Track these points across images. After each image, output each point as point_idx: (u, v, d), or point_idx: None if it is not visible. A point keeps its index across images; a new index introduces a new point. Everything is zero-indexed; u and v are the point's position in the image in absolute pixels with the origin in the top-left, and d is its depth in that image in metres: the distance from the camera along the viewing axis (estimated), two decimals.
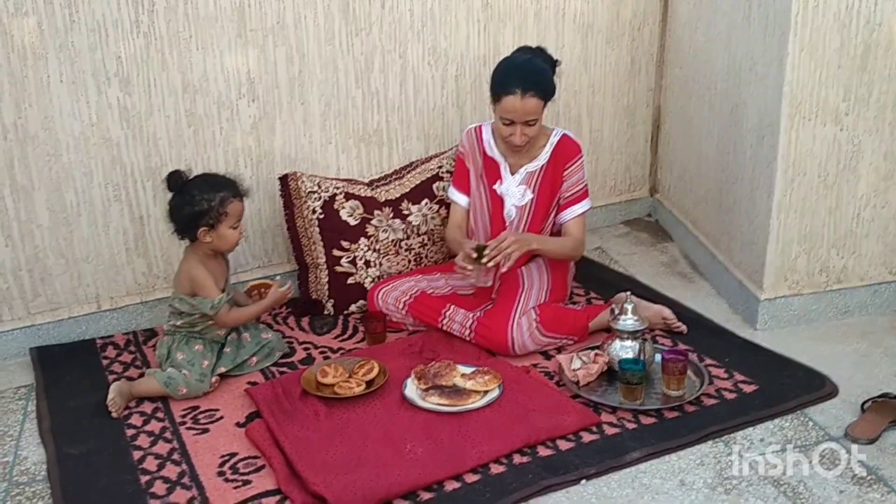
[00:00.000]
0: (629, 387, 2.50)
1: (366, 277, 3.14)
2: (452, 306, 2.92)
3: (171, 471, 2.33)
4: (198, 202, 2.61)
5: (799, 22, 2.65)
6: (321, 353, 2.90)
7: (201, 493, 2.24)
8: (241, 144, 3.10)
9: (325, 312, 3.14)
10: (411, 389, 2.59)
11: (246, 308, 2.79)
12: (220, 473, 2.31)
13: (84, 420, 2.57)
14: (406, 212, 3.20)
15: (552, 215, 3.00)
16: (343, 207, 3.12)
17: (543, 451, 2.35)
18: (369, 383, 2.61)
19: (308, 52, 3.10)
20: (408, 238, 3.20)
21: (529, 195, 2.97)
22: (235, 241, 2.71)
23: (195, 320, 2.70)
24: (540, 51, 2.94)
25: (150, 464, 2.36)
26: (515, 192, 2.98)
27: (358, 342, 2.97)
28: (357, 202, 3.15)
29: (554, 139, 2.95)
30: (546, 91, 2.81)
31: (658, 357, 2.66)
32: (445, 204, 3.21)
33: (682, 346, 2.81)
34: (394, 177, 3.29)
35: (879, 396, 2.49)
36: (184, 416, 2.57)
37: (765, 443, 2.39)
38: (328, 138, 3.24)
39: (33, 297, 2.96)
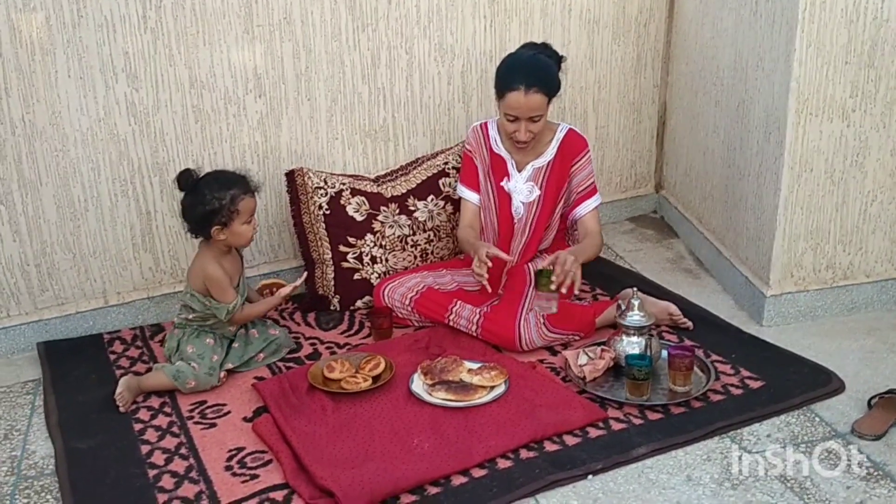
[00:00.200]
0: (635, 382, 2.51)
1: (372, 273, 3.14)
2: (459, 302, 2.92)
3: (178, 465, 2.34)
4: (209, 201, 2.61)
5: (806, 18, 2.65)
6: (328, 348, 2.91)
7: (209, 488, 2.24)
8: (247, 140, 3.11)
9: (332, 308, 3.15)
10: (418, 385, 2.59)
11: (255, 305, 2.80)
12: (228, 468, 2.32)
13: (92, 414, 2.57)
14: (412, 208, 3.21)
15: (558, 211, 3.00)
16: (349, 203, 3.13)
17: (550, 447, 2.35)
18: (376, 378, 2.61)
19: (314, 48, 3.10)
20: (414, 234, 3.20)
21: (537, 192, 2.97)
22: (250, 236, 2.71)
23: (207, 315, 2.71)
24: (545, 47, 2.94)
25: (158, 458, 2.37)
26: (523, 188, 2.98)
27: (364, 338, 2.98)
28: (363, 198, 3.15)
29: (560, 134, 2.95)
30: (550, 87, 2.80)
31: (664, 353, 2.66)
32: (452, 200, 3.21)
33: (688, 342, 2.81)
34: (400, 173, 3.29)
35: (886, 392, 2.49)
36: (191, 411, 2.58)
37: (771, 439, 2.39)
38: (334, 134, 3.24)
39: (41, 292, 2.97)
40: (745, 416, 2.46)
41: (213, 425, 2.51)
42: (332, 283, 3.14)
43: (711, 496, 2.19)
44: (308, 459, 2.26)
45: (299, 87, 3.13)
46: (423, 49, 3.28)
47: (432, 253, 3.25)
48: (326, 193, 3.11)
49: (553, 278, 2.64)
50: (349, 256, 3.13)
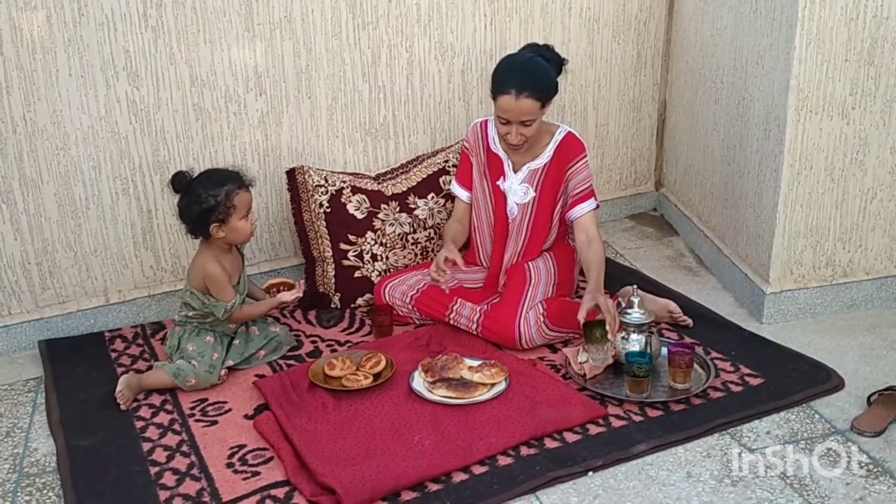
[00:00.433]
0: (635, 379, 2.51)
1: (372, 271, 3.15)
2: (459, 300, 2.93)
3: (180, 462, 2.35)
4: (205, 199, 2.61)
5: (806, 15, 2.65)
6: (328, 346, 2.91)
7: (210, 485, 2.25)
8: (248, 138, 3.11)
9: (332, 306, 3.15)
10: (418, 382, 2.60)
11: (253, 305, 2.80)
12: (229, 465, 2.33)
13: (93, 412, 2.58)
14: (412, 206, 3.21)
15: (556, 213, 2.99)
16: (350, 201, 3.13)
17: (550, 444, 2.36)
18: (377, 376, 2.62)
19: (315, 46, 3.11)
20: (414, 232, 3.21)
21: (532, 193, 2.96)
22: (249, 231, 2.71)
23: (206, 312, 2.71)
24: (547, 48, 2.90)
25: (160, 455, 2.38)
26: (518, 189, 2.98)
27: (365, 335, 2.98)
28: (364, 196, 3.16)
29: (558, 137, 2.93)
30: (543, 93, 2.76)
31: (664, 350, 2.66)
32: (452, 198, 3.21)
33: (688, 340, 2.82)
34: (400, 171, 3.30)
35: (886, 389, 2.50)
36: (192, 409, 2.58)
37: (771, 436, 2.39)
38: (335, 132, 3.25)
39: (42, 291, 2.97)
40: (744, 413, 2.47)
41: (215, 423, 2.51)
42: (333, 280, 3.14)
43: (711, 493, 2.19)
44: (309, 457, 2.26)
45: (300, 86, 3.13)
46: (423, 47, 3.28)
47: (433, 251, 3.25)
48: (327, 191, 3.12)
49: (607, 328, 2.59)
50: (350, 254, 3.14)
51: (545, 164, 2.94)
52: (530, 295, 2.86)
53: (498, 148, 3.00)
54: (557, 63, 2.88)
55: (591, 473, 2.26)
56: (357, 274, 3.14)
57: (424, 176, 3.26)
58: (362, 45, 3.18)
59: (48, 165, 2.86)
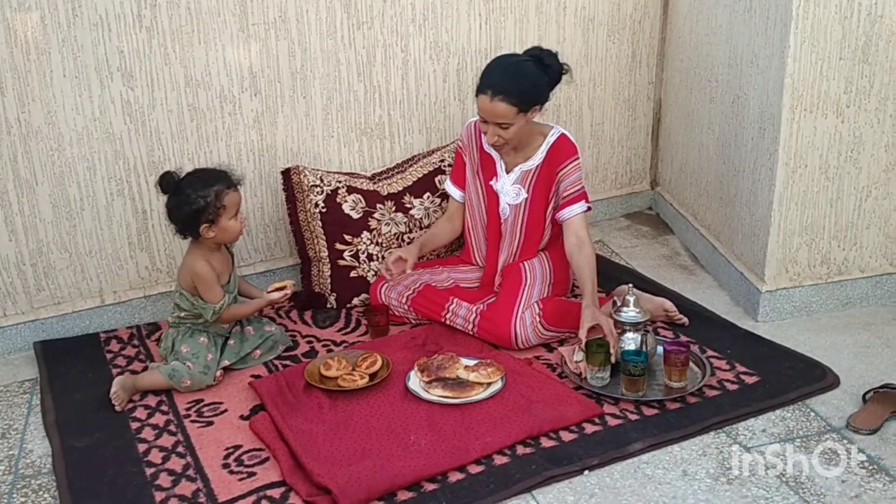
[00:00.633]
0: (631, 378, 2.51)
1: (368, 271, 3.14)
2: (455, 300, 2.93)
3: (176, 463, 2.34)
4: (194, 200, 2.60)
5: (800, 14, 2.66)
6: (324, 346, 2.91)
7: (206, 485, 2.25)
8: (243, 138, 3.11)
9: (328, 306, 3.15)
10: (414, 382, 2.60)
11: (241, 305, 2.79)
12: (225, 465, 2.32)
13: (89, 413, 2.57)
14: (408, 205, 3.21)
15: (549, 214, 2.99)
16: (345, 201, 3.13)
17: (546, 443, 2.36)
18: (373, 376, 2.62)
19: (310, 46, 3.10)
20: (410, 231, 3.20)
21: (524, 194, 2.96)
22: (239, 230, 2.71)
23: (197, 312, 2.71)
24: (550, 54, 2.81)
25: (155, 456, 2.37)
26: (510, 190, 2.97)
27: (361, 335, 2.98)
28: (359, 196, 3.15)
29: (550, 139, 2.91)
30: (519, 98, 2.70)
31: (660, 349, 2.67)
32: (447, 197, 3.21)
33: (683, 338, 2.82)
34: (396, 170, 3.30)
35: (881, 387, 2.50)
36: (188, 409, 2.58)
37: (766, 434, 2.40)
38: (330, 132, 3.24)
39: (37, 292, 2.97)
40: (740, 412, 2.47)
41: (210, 423, 2.51)
42: (329, 280, 3.14)
43: (707, 491, 2.20)
44: (305, 457, 2.26)
45: (295, 86, 3.13)
46: (418, 47, 3.28)
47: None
48: (322, 191, 3.11)
49: (611, 350, 2.57)
50: (345, 254, 3.14)
51: (537, 166, 2.93)
52: (526, 295, 2.86)
53: (490, 148, 3.00)
54: (556, 71, 2.80)
55: (587, 472, 2.26)
56: (353, 274, 3.14)
57: (420, 175, 3.26)
58: (357, 44, 3.18)
59: (42, 166, 2.85)
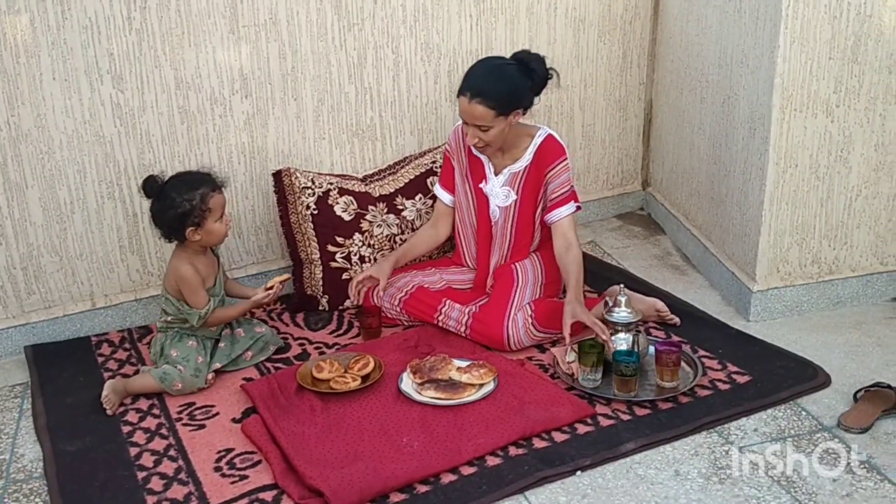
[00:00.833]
0: (623, 378, 2.51)
1: (360, 273, 3.14)
2: (448, 301, 2.93)
3: (168, 467, 2.34)
4: (179, 204, 2.59)
5: (790, 14, 2.67)
6: (316, 348, 2.91)
7: (198, 489, 2.24)
8: (234, 141, 3.10)
9: (320, 308, 3.15)
10: (407, 384, 2.60)
11: (227, 308, 2.78)
12: (217, 469, 2.32)
13: (80, 417, 2.57)
14: (400, 207, 3.21)
15: (538, 219, 2.99)
16: (337, 203, 3.13)
17: (539, 443, 2.36)
18: (365, 378, 2.61)
19: (301, 48, 3.10)
20: (402, 233, 3.20)
21: (513, 196, 2.95)
22: (224, 232, 2.70)
23: (183, 317, 2.70)
24: (537, 59, 2.78)
25: (147, 460, 2.37)
26: (499, 192, 2.97)
27: (353, 337, 2.98)
28: (351, 198, 3.15)
29: (538, 140, 2.90)
30: (497, 101, 2.69)
31: (652, 349, 2.67)
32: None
33: (675, 338, 2.83)
34: (388, 172, 3.29)
35: (872, 386, 2.51)
36: (180, 413, 2.57)
37: (758, 433, 2.40)
38: (321, 134, 3.24)
39: (27, 295, 2.96)
40: (732, 411, 2.47)
41: (202, 427, 2.50)
42: (321, 283, 3.14)
43: (699, 491, 2.20)
44: (297, 460, 2.26)
45: (286, 87, 3.12)
46: (409, 48, 3.28)
47: None
48: (314, 193, 3.11)
49: (603, 338, 2.56)
50: (337, 256, 3.13)
51: (525, 167, 2.92)
52: (518, 297, 2.86)
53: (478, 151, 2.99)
54: (541, 76, 2.78)
55: (579, 473, 2.26)
56: (345, 276, 3.14)
57: (412, 177, 3.26)
58: (348, 46, 3.18)
59: (33, 169, 2.84)
